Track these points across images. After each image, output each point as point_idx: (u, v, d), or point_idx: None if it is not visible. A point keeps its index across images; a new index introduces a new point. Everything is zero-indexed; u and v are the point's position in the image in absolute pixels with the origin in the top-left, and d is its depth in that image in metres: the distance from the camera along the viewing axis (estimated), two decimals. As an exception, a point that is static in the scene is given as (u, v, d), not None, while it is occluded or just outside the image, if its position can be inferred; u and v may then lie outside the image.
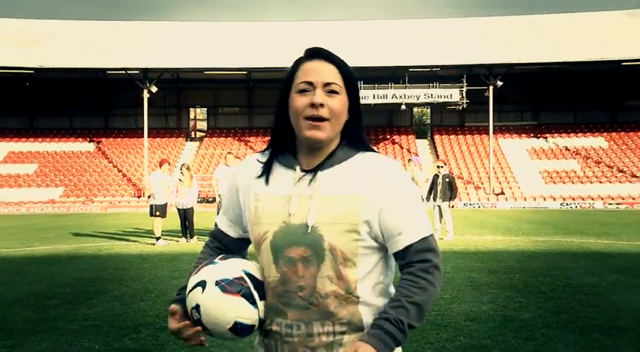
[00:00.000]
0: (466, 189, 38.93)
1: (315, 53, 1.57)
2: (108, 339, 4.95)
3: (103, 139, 45.76)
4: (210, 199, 33.07)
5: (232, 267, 1.54)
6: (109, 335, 5.08)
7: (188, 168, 13.67)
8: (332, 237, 1.49)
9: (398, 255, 1.54)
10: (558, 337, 4.88)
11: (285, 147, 1.60)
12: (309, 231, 1.50)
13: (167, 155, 41.80)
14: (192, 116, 50.33)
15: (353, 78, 1.57)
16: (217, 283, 1.49)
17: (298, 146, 1.59)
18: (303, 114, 1.51)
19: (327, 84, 1.52)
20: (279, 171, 1.59)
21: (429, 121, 50.71)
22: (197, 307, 1.50)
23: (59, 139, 45.30)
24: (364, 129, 1.62)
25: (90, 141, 45.44)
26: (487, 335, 4.92)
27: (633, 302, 6.27)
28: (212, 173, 27.01)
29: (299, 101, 1.52)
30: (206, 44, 42.00)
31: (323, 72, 1.53)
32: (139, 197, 38.77)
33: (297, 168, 1.56)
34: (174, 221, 13.54)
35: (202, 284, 1.50)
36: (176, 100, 48.21)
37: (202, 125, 50.86)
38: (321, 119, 1.51)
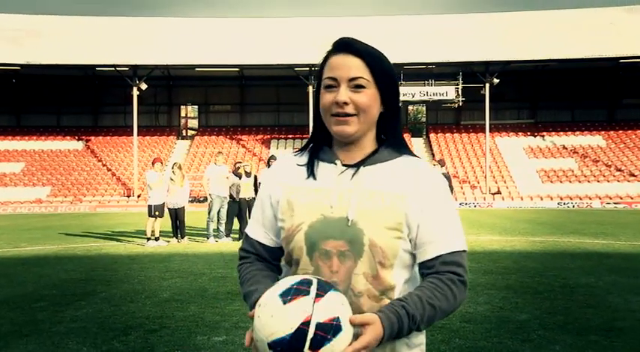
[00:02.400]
0: (462, 188, 38.60)
1: (341, 46, 1.52)
2: (96, 342, 4.89)
3: (92, 137, 45.22)
4: (201, 199, 32.66)
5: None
6: (97, 337, 5.03)
7: (180, 168, 13.66)
8: (373, 233, 1.46)
9: (425, 265, 1.52)
10: (555, 338, 4.86)
11: (324, 143, 1.59)
12: (349, 224, 1.47)
13: (157, 153, 41.35)
14: (183, 114, 49.98)
15: (383, 69, 1.51)
16: None
17: (334, 141, 1.58)
18: (329, 112, 1.50)
19: (352, 79, 1.48)
20: (318, 165, 1.57)
21: (424, 119, 50.42)
22: None
23: (46, 137, 44.73)
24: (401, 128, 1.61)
25: (78, 140, 44.86)
26: (483, 337, 4.90)
27: (631, 303, 6.23)
28: (203, 172, 26.60)
29: (325, 98, 1.51)
30: (197, 40, 41.68)
31: (348, 67, 1.48)
32: (128, 196, 38.27)
33: (338, 162, 1.55)
34: (164, 221, 13.55)
35: None
36: (167, 98, 47.84)
37: (193, 123, 50.46)
38: (347, 115, 1.48)
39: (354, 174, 1.52)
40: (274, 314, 1.33)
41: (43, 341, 4.90)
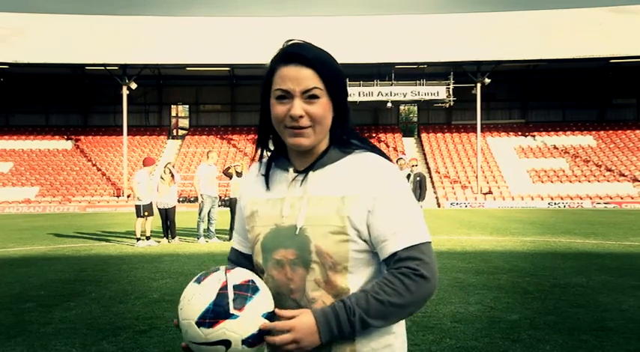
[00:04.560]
0: (453, 188, 38.65)
1: (290, 57, 1.46)
2: (86, 343, 4.83)
3: (81, 137, 44.98)
4: (192, 199, 32.47)
5: (254, 318, 1.38)
6: (86, 338, 4.97)
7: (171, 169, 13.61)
8: (318, 239, 1.45)
9: (385, 263, 1.48)
10: (546, 338, 4.86)
11: (278, 149, 1.58)
12: (297, 232, 1.47)
13: (148, 153, 41.16)
14: (173, 113, 49.79)
15: (334, 76, 1.47)
16: (244, 342, 1.37)
17: (289, 148, 1.54)
18: (283, 124, 1.46)
19: (306, 91, 1.44)
20: (276, 174, 1.57)
21: (415, 119, 50.43)
22: None
23: (35, 137, 44.47)
24: (352, 127, 1.57)
25: (67, 139, 44.59)
26: (474, 337, 4.89)
27: (621, 303, 6.22)
28: (194, 172, 26.50)
29: (278, 109, 1.46)
30: (188, 39, 41.49)
31: (300, 78, 1.44)
32: (118, 196, 38.00)
33: (291, 169, 1.54)
34: (155, 221, 13.56)
35: (226, 343, 1.36)
36: (157, 97, 47.66)
37: (184, 123, 50.24)
38: (302, 127, 1.45)
39: (303, 180, 1.50)
40: (193, 295, 1.39)
41: (32, 343, 4.83)
